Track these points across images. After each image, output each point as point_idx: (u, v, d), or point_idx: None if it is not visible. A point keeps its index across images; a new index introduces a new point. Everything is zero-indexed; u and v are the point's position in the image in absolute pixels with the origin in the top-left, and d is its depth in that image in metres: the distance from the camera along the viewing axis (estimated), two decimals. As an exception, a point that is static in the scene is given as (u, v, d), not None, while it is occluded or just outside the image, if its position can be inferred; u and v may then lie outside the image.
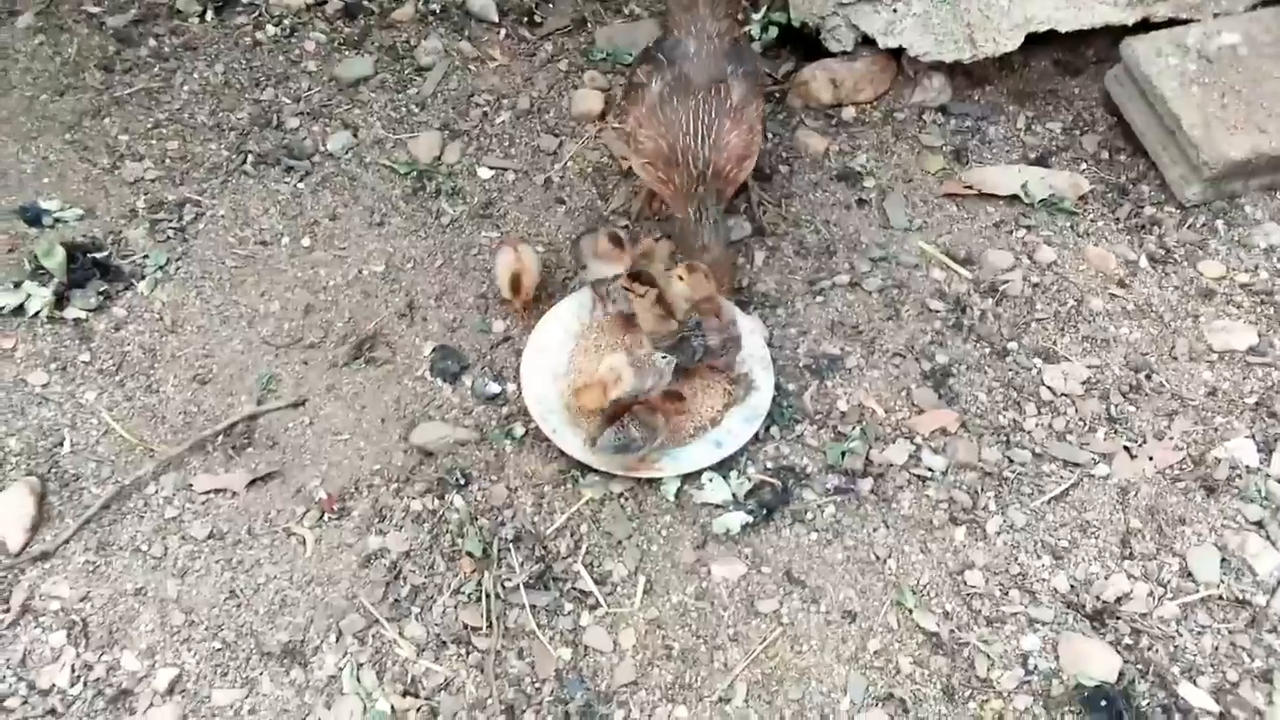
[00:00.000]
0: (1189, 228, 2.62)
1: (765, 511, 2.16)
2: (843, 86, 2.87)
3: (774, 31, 2.95)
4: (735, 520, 2.14)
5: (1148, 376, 2.36)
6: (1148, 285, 2.52)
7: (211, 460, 2.28)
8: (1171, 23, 2.80)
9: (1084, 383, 2.34)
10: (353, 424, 2.33)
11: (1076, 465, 2.23)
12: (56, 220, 2.64)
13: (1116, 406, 2.31)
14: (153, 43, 3.01)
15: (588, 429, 2.19)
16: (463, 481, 2.22)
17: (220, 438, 2.30)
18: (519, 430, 2.30)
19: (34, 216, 2.63)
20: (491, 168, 2.77)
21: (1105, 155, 2.79)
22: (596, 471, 2.20)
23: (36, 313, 2.45)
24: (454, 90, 2.93)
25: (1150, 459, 2.22)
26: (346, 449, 2.29)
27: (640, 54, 2.59)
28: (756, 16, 2.85)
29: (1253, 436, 2.24)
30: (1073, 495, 2.19)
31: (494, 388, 2.37)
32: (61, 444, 2.29)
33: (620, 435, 2.11)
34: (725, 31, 2.43)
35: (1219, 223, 2.62)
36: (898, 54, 2.86)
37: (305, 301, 2.52)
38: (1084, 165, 2.77)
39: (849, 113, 2.87)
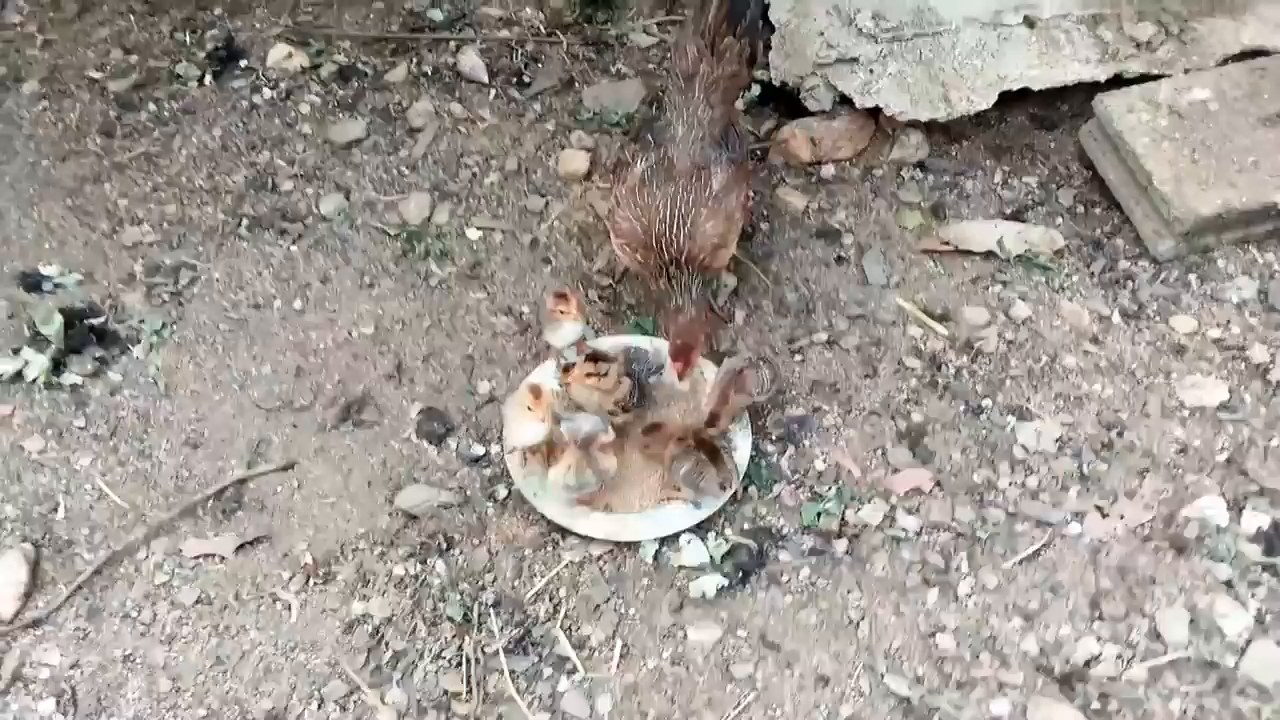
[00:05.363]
0: (1162, 282, 2.65)
1: (741, 574, 2.19)
2: (822, 145, 2.93)
3: (756, 90, 3.03)
4: (711, 583, 2.18)
5: (1120, 434, 2.39)
6: (1120, 341, 2.55)
7: (202, 524, 2.33)
8: (1144, 78, 2.84)
9: (1057, 440, 2.38)
10: (340, 487, 2.38)
11: (1049, 525, 2.26)
12: (56, 286, 2.71)
13: (1089, 465, 2.34)
14: (152, 107, 3.09)
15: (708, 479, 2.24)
16: (445, 546, 2.26)
17: (210, 502, 2.36)
18: (501, 492, 2.35)
19: (34, 283, 2.71)
20: (480, 228, 2.83)
21: (1081, 209, 2.83)
22: (576, 535, 2.25)
23: (34, 379, 2.52)
24: (444, 151, 2.99)
25: (1121, 518, 2.25)
26: (333, 513, 2.34)
27: (634, 130, 2.63)
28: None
29: (1223, 494, 2.26)
30: (1044, 555, 2.22)
31: (478, 449, 2.42)
32: (56, 509, 2.35)
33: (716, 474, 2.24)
34: (719, 119, 2.44)
35: (1192, 276, 2.66)
36: (876, 112, 2.92)
37: (296, 364, 2.58)
38: (1060, 219, 2.81)
39: (828, 170, 2.92)
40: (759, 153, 2.96)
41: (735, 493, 2.29)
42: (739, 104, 2.91)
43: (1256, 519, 2.21)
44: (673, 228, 2.33)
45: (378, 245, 2.80)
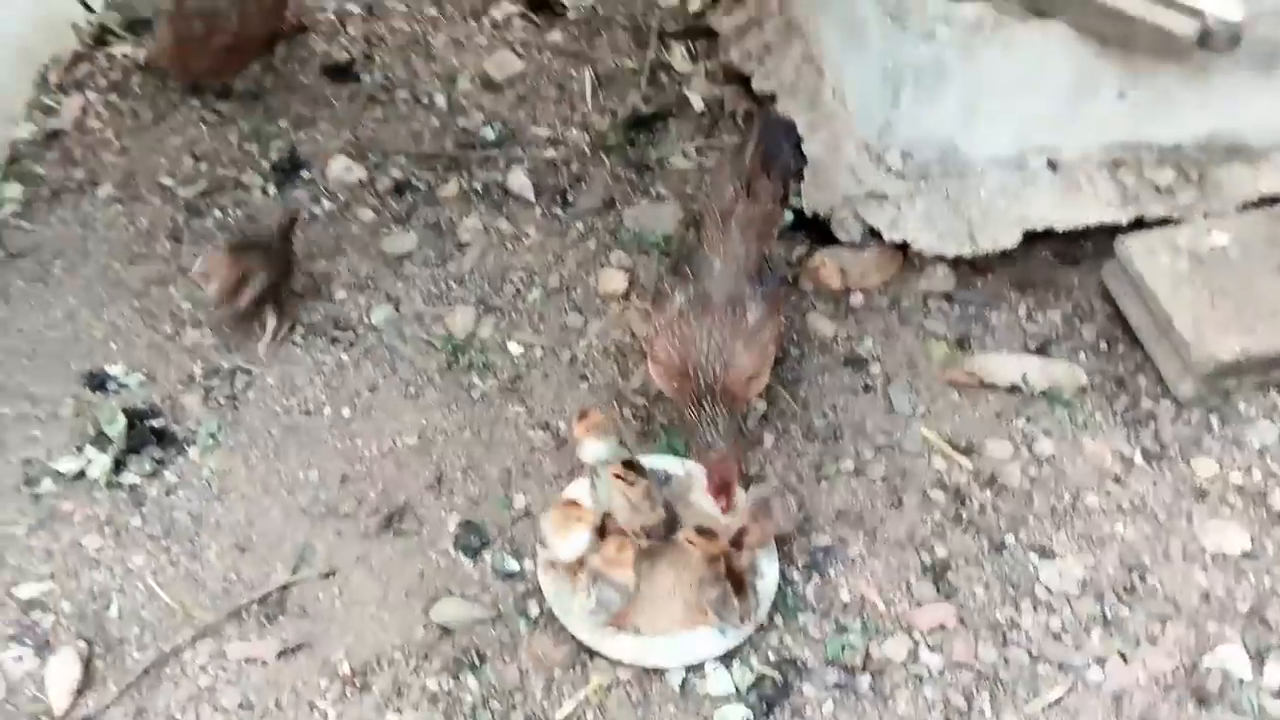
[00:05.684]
0: (1184, 423, 2.71)
1: (765, 706, 2.24)
2: (851, 274, 3.05)
3: (790, 217, 3.17)
4: (736, 714, 2.22)
5: (1142, 578, 2.43)
6: (1142, 482, 2.61)
7: (246, 628, 2.41)
8: (1165, 221, 2.95)
9: (1079, 581, 2.42)
10: (379, 596, 2.46)
11: (1071, 668, 2.29)
12: (120, 386, 2.85)
13: (1111, 608, 2.38)
14: (218, 214, 3.26)
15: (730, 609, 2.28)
16: (477, 662, 2.33)
17: (255, 606, 2.44)
18: (534, 610, 2.42)
19: (99, 382, 2.85)
20: (521, 343, 2.96)
21: (1104, 345, 2.91)
22: (605, 657, 2.31)
23: (96, 479, 2.65)
24: (490, 266, 3.13)
25: (1144, 664, 2.28)
26: (371, 622, 2.42)
27: (671, 260, 2.78)
28: None
29: (1245, 645, 2.29)
30: (1066, 701, 2.24)
31: (512, 565, 2.50)
32: (109, 607, 2.45)
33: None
34: (754, 254, 2.56)
35: (1213, 418, 2.72)
36: (904, 245, 3.04)
37: (342, 471, 2.69)
38: (1083, 354, 2.88)
39: (857, 298, 3.03)
40: (790, 279, 3.09)
41: (761, 622, 2.34)
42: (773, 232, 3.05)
43: (1279, 673, 2.23)
44: (709, 359, 2.44)
45: (424, 356, 2.93)
